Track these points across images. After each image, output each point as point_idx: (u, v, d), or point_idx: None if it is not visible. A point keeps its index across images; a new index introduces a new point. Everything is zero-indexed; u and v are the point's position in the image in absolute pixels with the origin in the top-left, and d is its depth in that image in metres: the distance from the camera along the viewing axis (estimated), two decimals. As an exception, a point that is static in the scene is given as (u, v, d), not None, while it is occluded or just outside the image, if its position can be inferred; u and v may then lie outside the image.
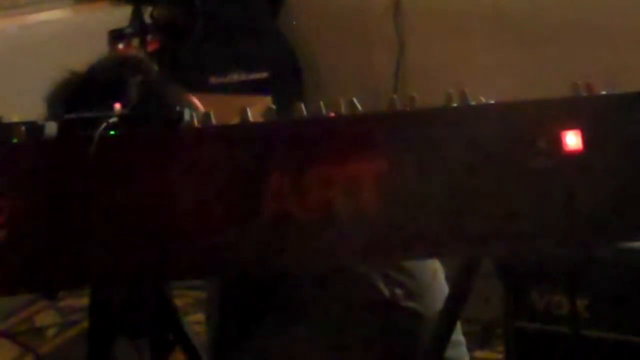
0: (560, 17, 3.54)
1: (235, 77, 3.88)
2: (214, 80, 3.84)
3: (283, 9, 4.06)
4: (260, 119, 1.15)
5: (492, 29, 3.65)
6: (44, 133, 1.09)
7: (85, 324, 1.69)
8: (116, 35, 3.51)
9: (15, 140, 1.09)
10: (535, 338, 2.00)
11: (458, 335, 1.59)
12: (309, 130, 1.13)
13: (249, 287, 1.49)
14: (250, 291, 1.48)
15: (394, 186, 1.11)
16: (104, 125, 1.09)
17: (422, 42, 3.85)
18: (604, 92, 1.17)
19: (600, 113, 1.15)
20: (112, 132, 1.09)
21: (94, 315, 1.31)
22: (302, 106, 1.14)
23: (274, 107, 1.16)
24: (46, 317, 3.17)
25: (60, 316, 3.16)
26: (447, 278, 1.58)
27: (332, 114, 1.14)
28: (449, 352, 1.45)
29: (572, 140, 1.13)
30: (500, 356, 2.52)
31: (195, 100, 1.48)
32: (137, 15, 3.69)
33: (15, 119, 1.11)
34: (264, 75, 3.91)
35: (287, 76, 3.96)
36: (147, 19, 3.77)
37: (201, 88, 3.27)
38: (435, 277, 1.59)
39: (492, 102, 1.16)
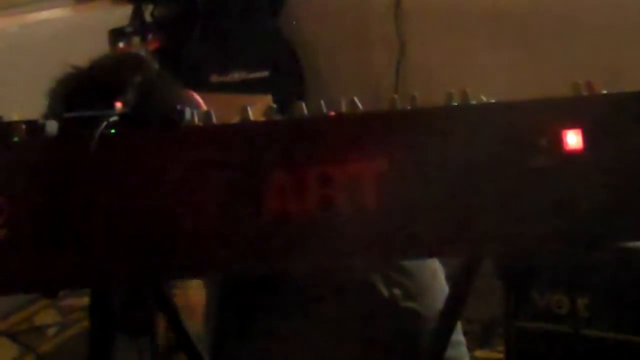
0: (560, 17, 3.53)
1: (236, 76, 3.87)
2: (214, 79, 3.84)
3: (283, 8, 4.06)
4: (261, 118, 1.15)
5: (492, 28, 3.65)
6: (44, 132, 1.09)
7: (85, 324, 1.69)
8: (117, 35, 3.51)
9: (15, 139, 1.08)
10: (536, 337, 2.00)
11: (458, 335, 1.59)
12: (309, 130, 1.12)
13: (248, 287, 1.48)
14: (250, 291, 1.48)
15: (394, 186, 1.11)
16: (104, 124, 1.09)
17: (423, 41, 3.85)
18: (605, 92, 1.16)
19: (601, 112, 1.14)
20: (112, 131, 1.09)
21: (94, 315, 1.31)
22: (303, 105, 1.14)
23: (274, 106, 1.15)
24: (46, 317, 3.18)
25: (60, 315, 3.16)
26: (447, 278, 1.58)
27: (333, 113, 1.14)
28: (449, 352, 1.45)
29: (573, 139, 1.12)
30: (500, 356, 2.52)
31: (197, 97, 1.48)
32: (137, 14, 3.69)
33: (15, 117, 1.11)
34: (265, 74, 3.91)
35: (287, 75, 3.96)
36: (148, 18, 3.77)
37: (202, 87, 3.25)
38: (435, 277, 1.59)
39: (493, 101, 1.16)
